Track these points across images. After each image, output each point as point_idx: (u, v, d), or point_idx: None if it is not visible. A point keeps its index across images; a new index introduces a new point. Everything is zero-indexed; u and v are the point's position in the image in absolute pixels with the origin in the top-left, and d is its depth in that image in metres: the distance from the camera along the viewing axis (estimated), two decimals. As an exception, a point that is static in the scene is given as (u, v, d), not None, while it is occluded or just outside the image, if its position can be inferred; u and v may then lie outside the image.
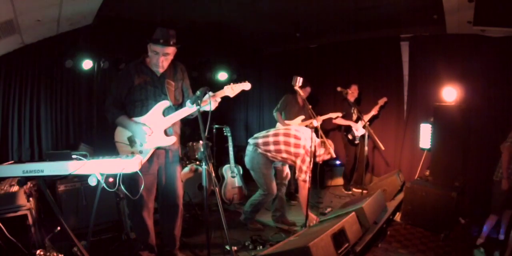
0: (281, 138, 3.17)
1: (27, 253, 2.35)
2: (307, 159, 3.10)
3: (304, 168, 3.11)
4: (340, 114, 4.56)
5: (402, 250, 3.03)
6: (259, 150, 3.20)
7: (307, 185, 3.13)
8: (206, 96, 2.22)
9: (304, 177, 3.12)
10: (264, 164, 3.20)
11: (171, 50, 2.35)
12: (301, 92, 3.24)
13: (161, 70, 2.40)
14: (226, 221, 2.10)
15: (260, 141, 3.23)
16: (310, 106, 3.35)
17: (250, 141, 3.32)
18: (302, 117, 4.50)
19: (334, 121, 4.82)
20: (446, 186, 3.52)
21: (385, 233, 3.34)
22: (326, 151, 3.24)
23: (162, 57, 2.33)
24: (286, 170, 3.49)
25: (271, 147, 3.16)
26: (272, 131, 3.30)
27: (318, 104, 5.38)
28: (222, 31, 5.22)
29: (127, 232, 3.03)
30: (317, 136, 3.24)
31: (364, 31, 4.98)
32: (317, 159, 3.22)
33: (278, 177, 3.46)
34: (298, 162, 3.13)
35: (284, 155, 3.16)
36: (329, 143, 3.25)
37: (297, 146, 3.14)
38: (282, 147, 3.15)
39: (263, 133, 3.33)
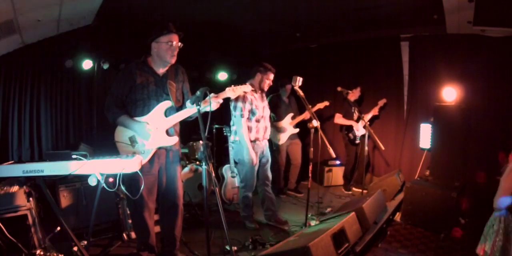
0: (234, 117, 3.26)
1: (27, 253, 2.35)
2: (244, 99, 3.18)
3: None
4: (327, 103, 4.50)
5: (402, 250, 3.03)
6: (238, 139, 3.26)
7: (243, 123, 3.18)
8: (208, 97, 2.24)
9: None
10: (248, 154, 3.21)
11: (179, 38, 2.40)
12: (300, 92, 3.24)
13: (173, 60, 2.39)
14: (226, 221, 2.10)
15: (232, 133, 3.34)
16: (310, 106, 3.35)
17: (230, 137, 3.44)
18: (291, 114, 4.52)
19: (336, 121, 4.82)
20: (446, 186, 3.52)
21: (385, 233, 3.34)
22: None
23: (177, 46, 2.35)
24: (267, 169, 3.51)
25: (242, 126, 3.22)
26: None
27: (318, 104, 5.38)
28: (222, 31, 5.21)
29: (127, 232, 3.04)
30: (317, 136, 3.24)
31: (364, 31, 4.97)
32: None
33: (261, 178, 3.48)
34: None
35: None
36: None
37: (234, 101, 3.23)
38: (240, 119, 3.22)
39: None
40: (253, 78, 3.35)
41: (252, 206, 3.47)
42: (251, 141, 3.25)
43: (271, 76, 3.36)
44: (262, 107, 3.36)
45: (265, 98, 3.48)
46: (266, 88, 3.40)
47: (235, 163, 3.66)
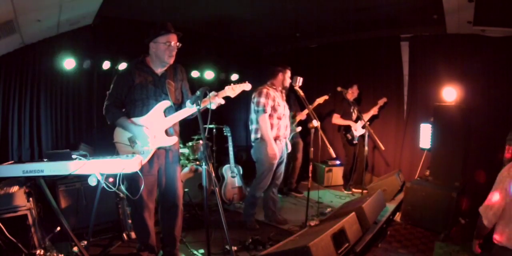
0: (255, 113, 3.29)
1: (27, 253, 2.35)
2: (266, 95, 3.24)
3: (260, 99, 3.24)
4: (327, 97, 4.48)
5: (402, 250, 3.03)
6: (260, 137, 3.27)
7: (265, 118, 3.22)
8: (208, 96, 2.24)
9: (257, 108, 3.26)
10: (267, 154, 3.23)
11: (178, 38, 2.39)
12: (301, 92, 3.25)
13: (171, 60, 2.39)
14: (226, 221, 2.09)
15: (253, 133, 3.35)
16: (310, 106, 3.35)
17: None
18: (291, 113, 4.51)
19: (333, 121, 4.82)
20: (446, 186, 3.52)
21: (385, 233, 3.34)
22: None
23: (176, 46, 2.34)
24: (281, 170, 3.51)
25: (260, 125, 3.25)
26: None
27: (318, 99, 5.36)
28: (222, 31, 5.22)
29: (127, 232, 3.04)
30: (317, 136, 3.24)
31: (364, 31, 4.98)
32: None
33: (272, 177, 3.46)
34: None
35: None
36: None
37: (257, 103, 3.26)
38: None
39: None
40: (275, 78, 3.43)
41: (256, 206, 3.46)
42: None
43: (289, 72, 3.49)
44: (283, 106, 3.41)
45: (284, 97, 3.54)
46: (288, 84, 3.51)
47: (239, 163, 3.66)
